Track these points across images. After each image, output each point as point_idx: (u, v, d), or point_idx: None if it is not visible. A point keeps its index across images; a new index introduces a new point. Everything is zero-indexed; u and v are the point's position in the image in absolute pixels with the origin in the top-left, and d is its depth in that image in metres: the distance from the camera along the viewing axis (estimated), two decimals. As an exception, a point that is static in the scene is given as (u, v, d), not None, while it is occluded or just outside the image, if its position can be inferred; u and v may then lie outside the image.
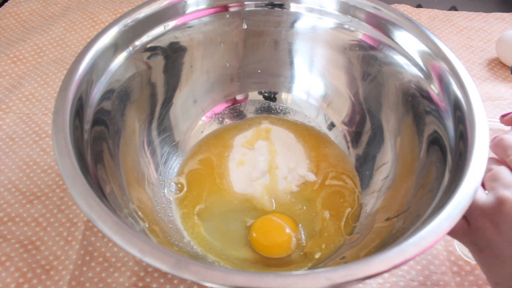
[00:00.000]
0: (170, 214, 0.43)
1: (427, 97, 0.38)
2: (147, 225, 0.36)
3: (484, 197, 0.30)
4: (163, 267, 0.25)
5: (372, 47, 0.43)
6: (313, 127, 0.50)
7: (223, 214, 0.43)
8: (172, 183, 0.45)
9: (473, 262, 0.40)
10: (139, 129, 0.43)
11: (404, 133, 0.42)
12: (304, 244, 0.41)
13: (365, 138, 0.47)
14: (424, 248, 0.26)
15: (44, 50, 0.60)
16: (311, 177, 0.45)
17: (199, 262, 0.25)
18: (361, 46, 0.44)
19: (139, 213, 0.37)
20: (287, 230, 0.40)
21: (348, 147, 0.48)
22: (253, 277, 0.24)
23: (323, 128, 0.50)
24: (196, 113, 0.49)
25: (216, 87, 0.49)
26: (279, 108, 0.51)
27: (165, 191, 0.44)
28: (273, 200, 0.44)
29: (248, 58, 0.49)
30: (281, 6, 0.45)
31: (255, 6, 0.45)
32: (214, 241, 0.41)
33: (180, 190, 0.45)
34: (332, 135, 0.49)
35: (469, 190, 0.28)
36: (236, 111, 0.51)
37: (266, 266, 0.40)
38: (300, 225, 0.42)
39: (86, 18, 0.65)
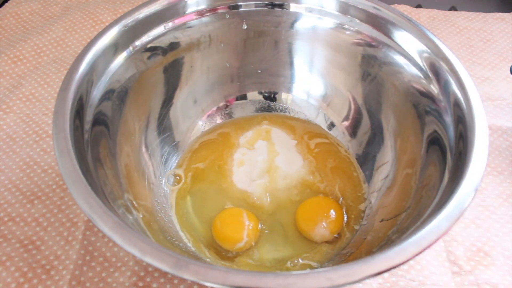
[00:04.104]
0: (170, 214, 0.43)
1: (427, 97, 0.38)
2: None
3: None
4: (163, 267, 0.25)
5: (372, 47, 0.43)
6: (313, 126, 0.50)
7: (217, 205, 0.43)
8: (170, 176, 0.45)
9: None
10: (139, 129, 0.43)
11: (404, 133, 0.42)
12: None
13: (365, 138, 0.47)
14: (424, 247, 0.26)
15: (44, 50, 0.60)
16: (311, 177, 0.45)
17: (199, 262, 0.25)
18: (361, 46, 0.44)
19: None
20: (244, 227, 0.40)
21: (348, 147, 0.48)
22: (252, 277, 0.24)
23: (323, 128, 0.50)
24: (196, 113, 0.49)
25: (216, 87, 0.50)
26: (279, 108, 0.52)
27: (165, 190, 0.44)
28: (270, 200, 0.44)
29: (248, 58, 0.49)
30: (281, 6, 0.45)
31: (255, 6, 0.45)
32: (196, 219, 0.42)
33: (178, 182, 0.45)
34: (332, 135, 0.49)
35: (469, 190, 0.28)
36: (236, 111, 0.51)
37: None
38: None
39: (86, 18, 0.65)
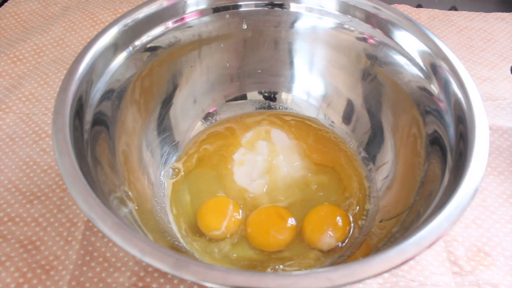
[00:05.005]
0: (164, 205, 0.43)
1: (427, 97, 0.38)
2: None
3: None
4: (163, 267, 0.25)
5: (372, 47, 0.43)
6: (312, 125, 0.50)
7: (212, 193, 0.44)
8: (170, 171, 0.45)
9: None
10: (139, 129, 0.43)
11: (404, 133, 0.42)
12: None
13: (365, 138, 0.47)
14: (425, 248, 0.26)
15: (44, 50, 0.60)
16: (312, 177, 0.45)
17: (199, 262, 0.25)
18: (361, 46, 0.44)
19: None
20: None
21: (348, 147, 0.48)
22: (253, 277, 0.24)
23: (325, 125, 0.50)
24: (196, 113, 0.49)
25: (216, 87, 0.49)
26: (279, 108, 0.51)
27: (164, 190, 0.44)
28: (270, 200, 0.44)
29: (248, 58, 0.49)
30: (281, 6, 0.45)
31: (255, 6, 0.45)
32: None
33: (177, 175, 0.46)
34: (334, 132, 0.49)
35: (469, 190, 0.28)
36: (236, 111, 0.51)
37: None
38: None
39: (86, 18, 0.65)
